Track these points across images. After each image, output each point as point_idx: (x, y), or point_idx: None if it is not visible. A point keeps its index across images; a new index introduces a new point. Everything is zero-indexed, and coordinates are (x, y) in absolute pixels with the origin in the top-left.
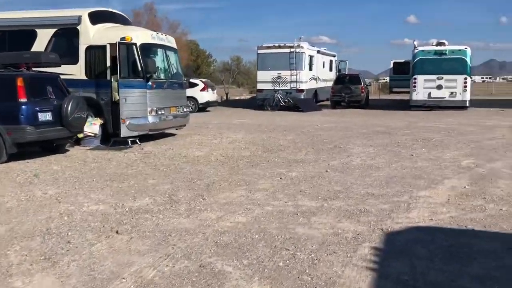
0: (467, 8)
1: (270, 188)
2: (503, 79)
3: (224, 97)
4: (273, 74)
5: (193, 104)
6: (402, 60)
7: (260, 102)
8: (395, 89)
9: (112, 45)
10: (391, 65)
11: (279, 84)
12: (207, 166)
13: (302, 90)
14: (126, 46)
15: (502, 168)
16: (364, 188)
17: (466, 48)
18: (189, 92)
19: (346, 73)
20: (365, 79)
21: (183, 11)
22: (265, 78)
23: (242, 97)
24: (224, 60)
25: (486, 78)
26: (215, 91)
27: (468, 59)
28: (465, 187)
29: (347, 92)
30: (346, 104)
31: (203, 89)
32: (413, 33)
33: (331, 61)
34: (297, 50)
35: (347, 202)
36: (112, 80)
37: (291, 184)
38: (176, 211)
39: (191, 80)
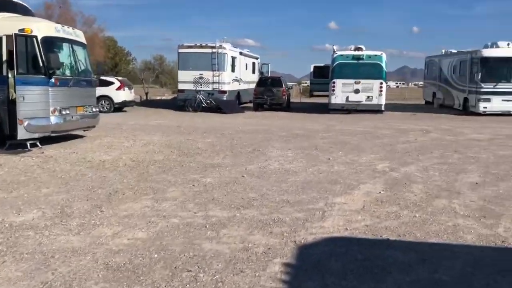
0: (383, 17)
1: (180, 196)
2: (414, 84)
3: (144, 97)
4: (195, 74)
5: (108, 104)
6: (322, 65)
7: (181, 102)
8: (315, 93)
9: (9, 37)
10: (312, 69)
11: (201, 85)
12: (113, 172)
13: (224, 92)
14: (25, 38)
15: (415, 172)
16: (279, 195)
17: (381, 53)
18: (104, 91)
19: (269, 75)
20: (288, 82)
21: (104, 7)
22: (186, 78)
23: (164, 97)
24: (146, 59)
25: (400, 83)
26: (133, 90)
27: (383, 64)
28: (380, 192)
29: (269, 94)
30: (268, 106)
31: (119, 88)
32: (334, 38)
33: (254, 63)
34: (220, 50)
35: (261, 211)
36: (9, 76)
37: (203, 192)
38: (66, 227)
39: (106, 78)
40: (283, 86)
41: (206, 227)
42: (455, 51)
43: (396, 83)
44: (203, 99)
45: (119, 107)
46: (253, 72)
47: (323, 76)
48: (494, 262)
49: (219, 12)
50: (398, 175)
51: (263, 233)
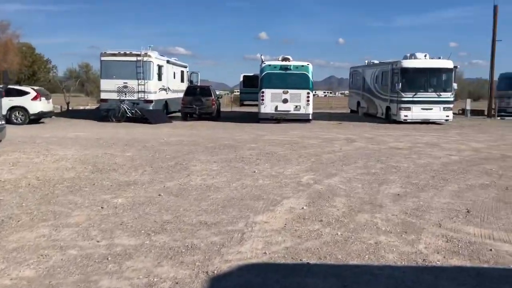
0: (311, 29)
1: (84, 221)
2: (341, 93)
3: (65, 107)
4: (119, 83)
5: (22, 115)
6: (251, 74)
7: (104, 112)
8: (246, 102)
9: None
10: (241, 79)
11: (126, 94)
12: (12, 194)
13: (150, 101)
14: None
15: (339, 184)
16: (197, 216)
17: (308, 64)
18: (17, 101)
19: (198, 84)
20: (219, 91)
21: (26, 12)
22: (109, 87)
23: (88, 107)
24: (71, 67)
25: (328, 92)
26: (51, 100)
27: (310, 75)
28: (303, 208)
29: (197, 104)
30: (197, 116)
31: (35, 98)
32: (264, 48)
33: (182, 72)
34: (145, 58)
35: (174, 236)
36: None
37: (112, 215)
38: None
39: (20, 88)
40: (212, 95)
41: (108, 259)
42: (377, 61)
43: (324, 92)
44: (127, 109)
45: (36, 119)
46: (182, 81)
47: (252, 86)
48: (415, 285)
49: (149, 20)
50: (322, 187)
51: (172, 264)
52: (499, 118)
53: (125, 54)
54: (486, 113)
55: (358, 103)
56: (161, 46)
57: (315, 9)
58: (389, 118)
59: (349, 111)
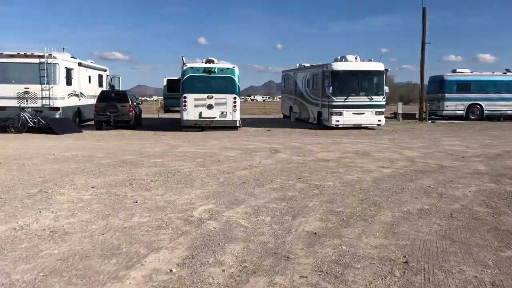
0: (250, 34)
1: None
2: (279, 98)
3: None
4: (19, 88)
5: None
6: (176, 78)
7: (2, 122)
8: (172, 108)
9: None
10: (165, 82)
11: (27, 101)
12: None
13: (57, 108)
14: None
15: (241, 218)
16: None
17: (234, 66)
18: None
19: (120, 89)
20: (139, 97)
21: None
22: (8, 93)
23: None
24: None
25: (266, 97)
26: None
27: (236, 78)
28: (171, 270)
29: (112, 111)
30: (113, 124)
31: None
32: (203, 53)
33: (100, 75)
34: (49, 60)
35: None
36: None
37: None
38: None
39: None
40: (129, 101)
41: None
42: (309, 65)
43: (263, 97)
44: (29, 117)
45: None
46: (100, 85)
47: (177, 90)
48: None
49: (86, 24)
50: (215, 227)
51: None
52: (430, 121)
53: (25, 56)
54: (417, 116)
55: (291, 108)
56: (97, 51)
57: (253, 15)
58: (321, 124)
59: (282, 116)
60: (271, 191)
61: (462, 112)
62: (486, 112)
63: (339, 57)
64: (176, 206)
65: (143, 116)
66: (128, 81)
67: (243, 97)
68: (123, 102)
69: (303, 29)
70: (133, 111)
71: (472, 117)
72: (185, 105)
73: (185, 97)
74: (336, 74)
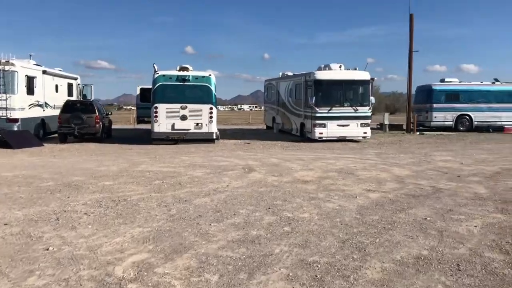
0: (238, 44)
1: None
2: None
3: None
4: None
5: None
6: (150, 87)
7: None
8: (147, 118)
9: None
10: (138, 91)
11: None
12: None
13: (15, 120)
14: None
15: (177, 279)
16: None
17: (210, 74)
18: None
19: (85, 99)
20: (121, 105)
21: None
22: None
23: None
24: None
25: (253, 107)
26: None
27: (213, 87)
28: None
29: (77, 122)
30: (78, 136)
31: None
32: (191, 62)
33: (70, 84)
34: (6, 68)
35: None
36: None
37: None
38: None
39: None
40: (96, 111)
41: None
42: (292, 73)
43: (250, 107)
44: None
45: None
46: (70, 95)
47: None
48: None
49: (72, 33)
50: None
51: None
52: (418, 133)
53: None
54: (405, 127)
55: (274, 118)
56: (83, 59)
57: (241, 25)
58: (304, 136)
59: (265, 127)
60: (231, 228)
61: (451, 123)
62: (475, 123)
63: (322, 66)
64: (98, 256)
65: (119, 127)
66: (114, 90)
67: (229, 106)
68: (89, 112)
69: (290, 39)
70: (100, 123)
71: (461, 128)
72: (156, 116)
73: (156, 107)
74: (319, 83)
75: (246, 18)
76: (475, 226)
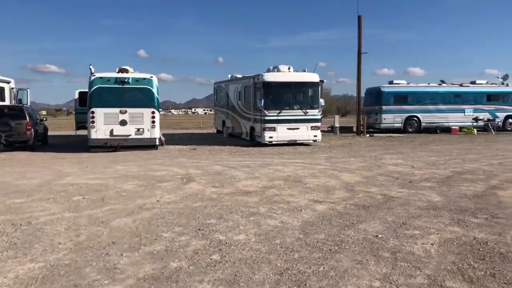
0: (191, 47)
1: None
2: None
3: None
4: None
5: None
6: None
7: None
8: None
9: None
10: (76, 95)
11: None
12: None
13: None
14: None
15: None
16: None
17: (152, 76)
18: None
19: (20, 103)
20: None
21: None
22: None
23: None
24: None
25: (208, 110)
26: None
27: (155, 90)
28: None
29: (4, 129)
30: (7, 144)
31: None
32: (143, 66)
33: (2, 88)
34: None
35: None
36: None
37: None
38: None
39: None
40: (27, 117)
41: None
42: (241, 76)
43: (204, 110)
44: None
45: None
46: (2, 99)
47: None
48: None
49: (22, 36)
50: None
51: None
52: (368, 135)
53: None
54: (355, 130)
55: (224, 122)
56: (32, 63)
57: (195, 28)
58: (254, 140)
59: (216, 131)
60: (147, 259)
61: (400, 124)
62: (423, 124)
63: (271, 68)
64: None
65: (60, 133)
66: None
67: (183, 110)
68: (19, 119)
69: (244, 43)
70: (32, 130)
71: (410, 129)
72: (93, 122)
73: (93, 112)
74: (268, 85)
75: (201, 22)
76: (432, 244)
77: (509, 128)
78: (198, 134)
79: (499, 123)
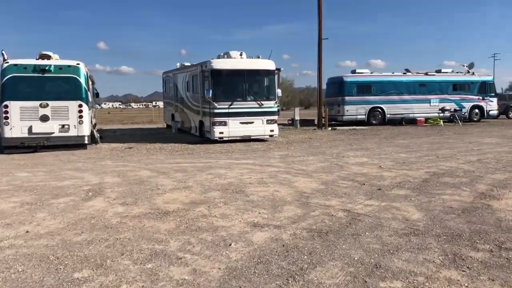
0: (154, 40)
1: None
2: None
3: None
4: None
5: None
6: None
7: None
8: None
9: None
10: None
11: None
12: None
13: None
14: None
15: None
16: None
17: (78, 64)
18: None
19: None
20: None
21: None
22: None
23: None
24: None
25: None
26: None
27: (82, 79)
28: None
29: None
30: None
31: None
32: (104, 59)
33: None
34: None
35: None
36: None
37: None
38: None
39: None
40: None
41: None
42: (189, 64)
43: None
44: None
45: None
46: None
47: None
48: None
49: None
50: None
51: None
52: (330, 128)
53: None
54: (316, 123)
55: (173, 116)
56: None
57: (157, 21)
58: (204, 136)
59: (165, 126)
60: None
61: (364, 116)
62: (388, 116)
63: (222, 54)
64: None
65: None
66: None
67: (144, 103)
68: None
69: (207, 35)
70: None
71: (374, 121)
72: (6, 118)
73: (6, 106)
74: (217, 74)
75: (163, 14)
76: None
77: (475, 119)
78: (145, 130)
79: (466, 113)
